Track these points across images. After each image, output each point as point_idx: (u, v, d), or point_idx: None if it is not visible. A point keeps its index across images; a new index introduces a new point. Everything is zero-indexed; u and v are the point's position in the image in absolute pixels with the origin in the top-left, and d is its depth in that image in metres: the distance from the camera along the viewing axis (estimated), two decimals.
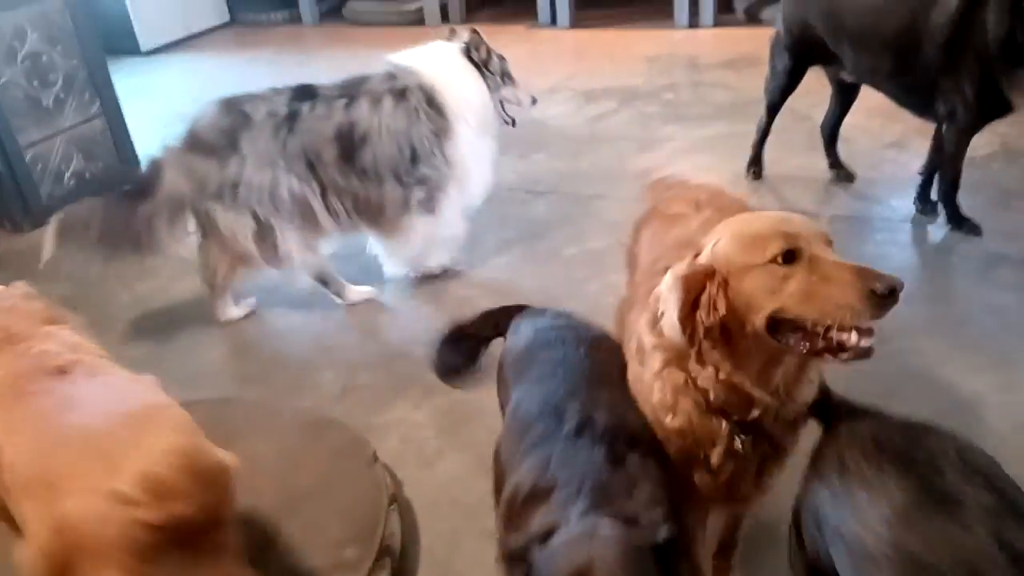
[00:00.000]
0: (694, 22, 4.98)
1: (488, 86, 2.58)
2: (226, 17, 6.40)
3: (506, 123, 2.71)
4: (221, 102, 2.40)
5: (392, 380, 2.26)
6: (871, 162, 3.20)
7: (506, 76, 2.62)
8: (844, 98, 3.04)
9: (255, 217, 2.37)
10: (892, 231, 2.77)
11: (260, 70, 5.28)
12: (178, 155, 2.36)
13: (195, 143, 2.36)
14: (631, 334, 1.39)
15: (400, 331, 2.54)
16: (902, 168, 3.11)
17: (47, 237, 2.32)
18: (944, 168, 2.64)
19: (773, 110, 3.10)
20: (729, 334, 1.17)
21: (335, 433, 1.86)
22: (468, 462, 1.96)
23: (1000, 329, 2.22)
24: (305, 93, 2.43)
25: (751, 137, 3.28)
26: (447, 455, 2.00)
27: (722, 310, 1.15)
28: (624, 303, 1.57)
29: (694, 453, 1.27)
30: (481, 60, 2.57)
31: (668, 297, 1.18)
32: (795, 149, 3.36)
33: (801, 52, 2.90)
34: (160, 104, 4.67)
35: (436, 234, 2.59)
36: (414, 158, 2.45)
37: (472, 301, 2.63)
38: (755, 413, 1.20)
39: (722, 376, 1.19)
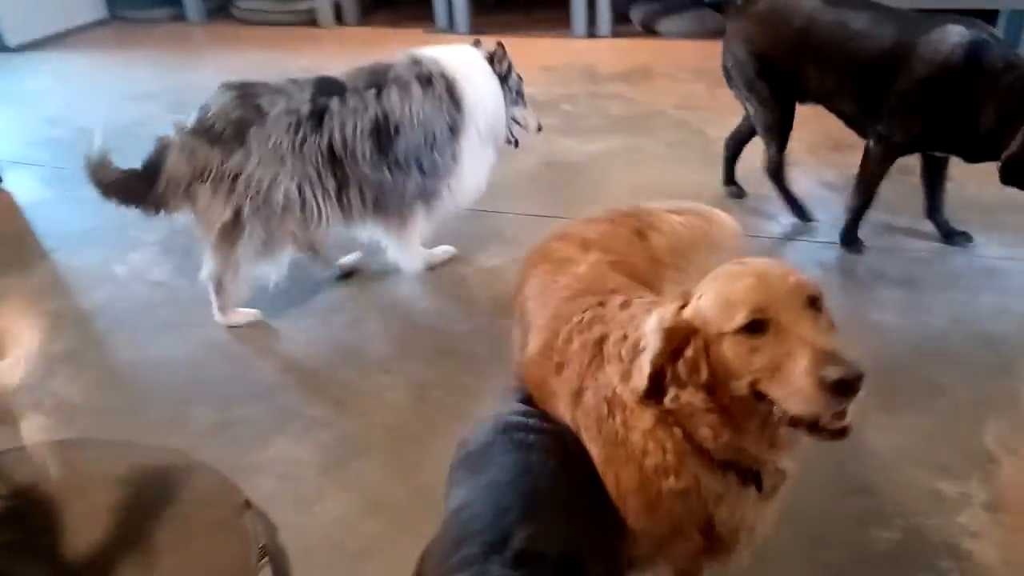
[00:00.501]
0: (592, 31, 4.98)
1: (504, 99, 2.57)
2: (105, 13, 6.04)
3: (509, 142, 2.69)
4: (237, 90, 2.33)
5: (271, 414, 2.12)
6: (763, 179, 3.24)
7: (520, 96, 2.61)
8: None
9: (236, 211, 2.30)
10: (781, 249, 2.80)
11: (141, 71, 4.98)
12: (185, 138, 2.29)
13: (203, 129, 2.29)
14: (565, 395, 1.30)
15: (282, 359, 2.40)
16: (794, 185, 3.15)
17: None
18: (864, 188, 2.64)
19: (784, 142, 2.86)
20: (721, 393, 1.10)
21: (200, 477, 1.70)
22: (353, 503, 1.84)
23: (883, 344, 2.26)
24: (330, 86, 2.37)
25: (649, 150, 3.28)
26: (329, 495, 1.87)
27: (703, 374, 1.09)
28: (534, 363, 1.41)
29: (696, 515, 1.18)
30: (501, 72, 2.55)
31: (646, 345, 1.12)
32: (692, 165, 3.38)
33: (775, 76, 2.74)
34: (28, 108, 4.34)
35: (424, 227, 2.57)
36: (433, 146, 2.41)
37: (362, 323, 2.53)
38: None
39: (722, 438, 1.12)
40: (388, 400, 2.16)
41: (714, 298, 1.10)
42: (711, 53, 4.72)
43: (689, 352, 1.10)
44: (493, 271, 2.72)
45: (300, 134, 2.30)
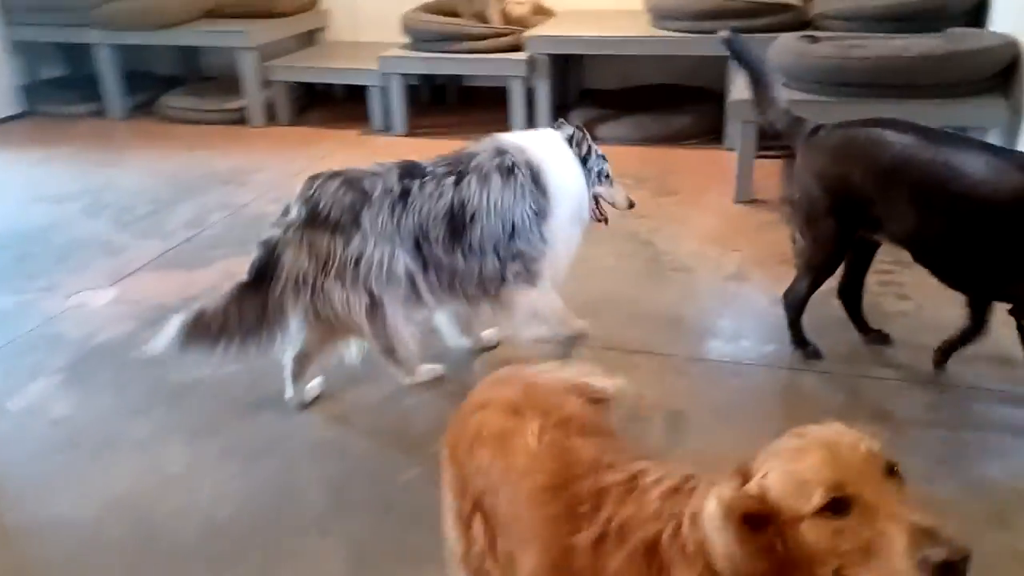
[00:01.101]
0: None
1: (586, 181, 2.59)
2: (22, 107, 5.76)
3: (599, 220, 2.70)
4: (340, 177, 2.39)
5: None
6: (715, 295, 3.15)
7: (603, 175, 2.64)
8: (863, 256, 2.62)
9: (369, 293, 2.35)
10: (745, 375, 2.65)
11: (58, 170, 4.72)
12: (298, 232, 2.33)
13: (317, 220, 2.33)
14: None
15: (200, 518, 2.10)
16: (748, 303, 3.06)
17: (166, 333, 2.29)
18: None
19: (820, 283, 2.60)
20: None
21: None
22: None
23: None
24: (412, 170, 2.45)
25: (598, 261, 3.17)
26: None
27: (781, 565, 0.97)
28: None
29: None
30: (581, 155, 2.56)
31: (718, 539, 0.97)
32: (644, 278, 3.27)
33: (847, 214, 2.43)
34: None
35: (536, 305, 2.56)
36: (512, 233, 2.45)
37: (296, 468, 2.26)
38: None
39: None
40: (325, 570, 1.89)
41: (781, 476, 0.98)
42: (652, 159, 4.75)
43: (764, 541, 0.96)
44: (431, 402, 2.51)
45: (396, 213, 2.37)
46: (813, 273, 2.56)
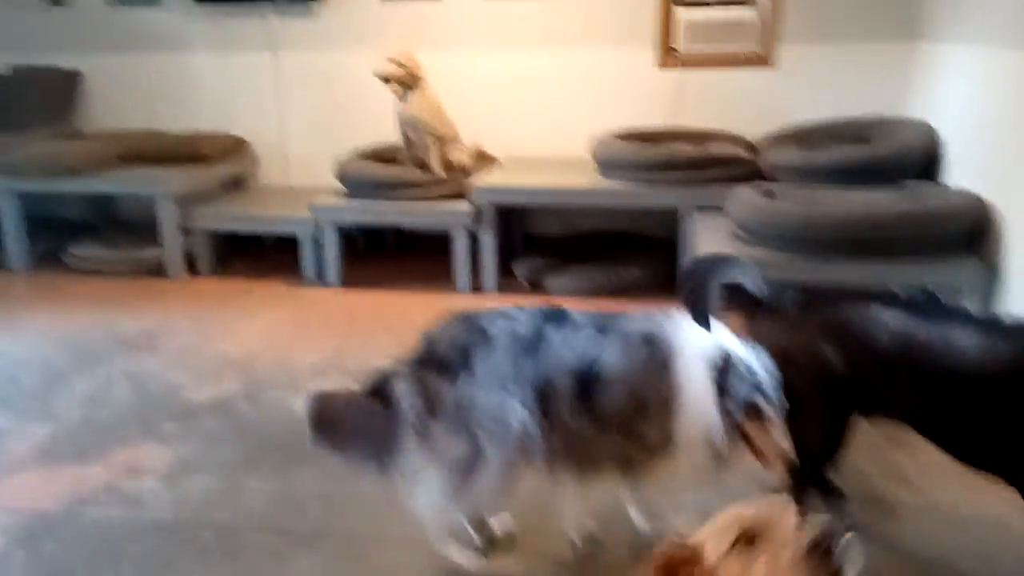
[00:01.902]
0: (476, 287, 4.63)
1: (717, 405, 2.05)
2: None
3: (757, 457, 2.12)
4: (461, 318, 2.27)
5: None
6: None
7: (753, 406, 1.97)
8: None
9: (471, 441, 2.14)
10: None
11: None
12: (411, 369, 2.21)
13: (430, 358, 2.21)
14: None
15: None
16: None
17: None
18: None
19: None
20: None
21: None
22: None
23: None
24: (553, 316, 2.22)
25: None
26: None
27: None
28: None
29: None
30: (718, 376, 2.03)
31: None
32: None
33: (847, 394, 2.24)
34: None
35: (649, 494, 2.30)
36: (637, 412, 2.08)
37: None
38: None
39: None
40: None
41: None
42: (600, 310, 4.49)
43: None
44: None
45: (520, 360, 2.16)
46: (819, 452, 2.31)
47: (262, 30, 5.40)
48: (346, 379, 3.48)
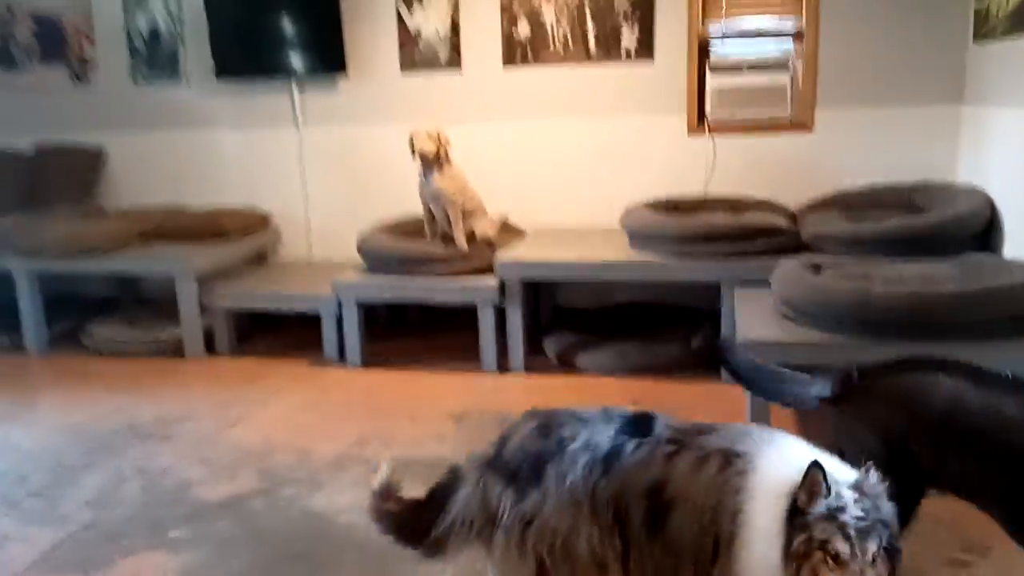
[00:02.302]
0: (503, 365, 4.42)
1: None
2: None
3: None
4: (540, 419, 2.06)
5: None
6: None
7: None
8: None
9: (539, 563, 1.93)
10: None
11: None
12: (480, 472, 2.05)
13: (500, 463, 2.03)
14: None
15: None
16: None
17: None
18: None
19: None
20: None
21: None
22: None
23: None
24: (634, 425, 1.96)
25: None
26: None
27: None
28: None
29: None
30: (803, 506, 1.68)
31: None
32: None
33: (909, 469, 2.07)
34: None
35: None
36: (705, 547, 1.76)
37: None
38: None
39: None
40: None
41: None
42: (641, 395, 4.24)
43: None
44: None
45: (593, 475, 1.91)
46: None
47: (285, 104, 5.35)
48: (367, 473, 3.27)
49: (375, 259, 4.58)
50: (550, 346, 4.57)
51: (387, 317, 5.28)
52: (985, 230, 3.80)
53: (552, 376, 4.34)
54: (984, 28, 4.06)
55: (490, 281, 4.33)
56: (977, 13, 4.19)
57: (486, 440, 2.10)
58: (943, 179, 4.43)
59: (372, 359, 4.61)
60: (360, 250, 4.63)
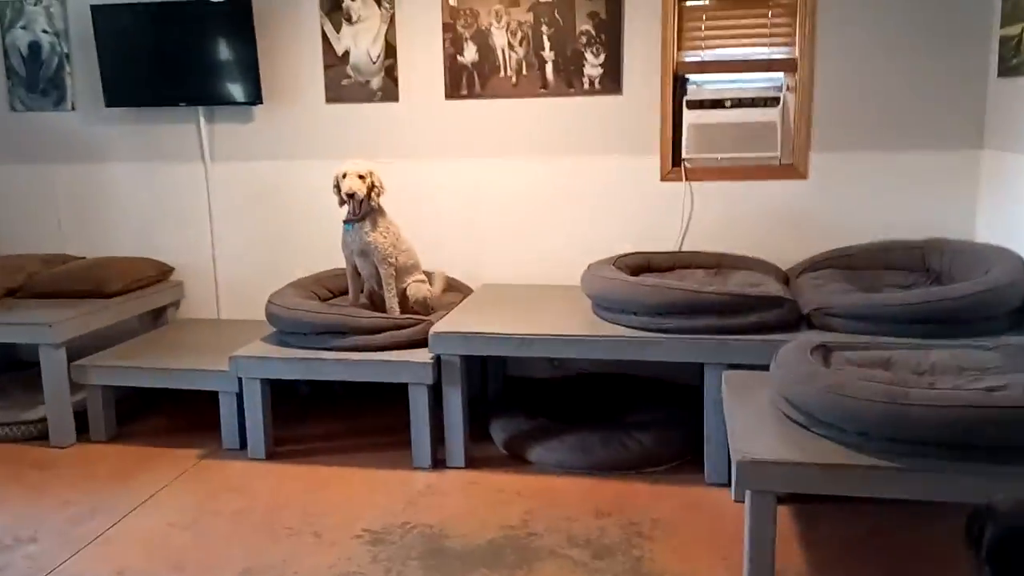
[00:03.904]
0: (439, 459, 3.61)
1: None
2: None
3: None
4: None
5: None
6: None
7: None
8: None
9: None
10: None
11: None
12: None
13: None
14: None
15: None
16: None
17: None
18: None
19: None
20: None
21: None
22: None
23: None
24: None
25: None
26: None
27: None
28: None
29: None
30: None
31: None
32: None
33: None
34: None
35: None
36: None
37: None
38: None
39: None
40: None
41: None
42: (601, 495, 3.45)
43: None
44: None
45: None
46: None
47: (191, 137, 4.54)
48: None
49: (286, 326, 3.76)
50: (498, 432, 3.77)
51: (309, 389, 4.45)
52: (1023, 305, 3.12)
53: (499, 473, 3.53)
54: (1015, 59, 3.41)
55: (423, 356, 3.53)
56: (1004, 42, 3.54)
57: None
58: (960, 236, 3.77)
59: (279, 450, 3.78)
60: (268, 314, 3.81)
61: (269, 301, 3.81)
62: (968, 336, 3.01)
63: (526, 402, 4.00)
